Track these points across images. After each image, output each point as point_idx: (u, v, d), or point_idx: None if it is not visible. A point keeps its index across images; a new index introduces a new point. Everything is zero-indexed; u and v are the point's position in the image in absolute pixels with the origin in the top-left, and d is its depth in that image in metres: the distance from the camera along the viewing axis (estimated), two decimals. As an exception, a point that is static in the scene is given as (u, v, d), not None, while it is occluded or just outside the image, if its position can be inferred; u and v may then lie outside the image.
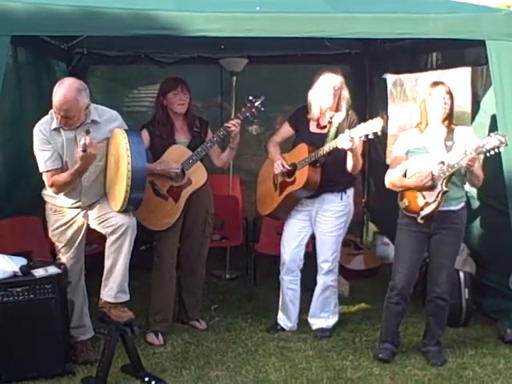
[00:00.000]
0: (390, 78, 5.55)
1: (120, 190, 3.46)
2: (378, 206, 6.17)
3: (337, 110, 4.06)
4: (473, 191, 4.22)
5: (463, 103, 4.36)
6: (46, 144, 3.51)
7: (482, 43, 3.83)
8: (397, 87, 5.45)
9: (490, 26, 3.81)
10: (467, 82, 4.35)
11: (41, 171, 3.55)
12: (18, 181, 4.26)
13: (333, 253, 4.16)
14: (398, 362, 3.87)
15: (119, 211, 3.55)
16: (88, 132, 3.42)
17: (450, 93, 3.69)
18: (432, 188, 3.61)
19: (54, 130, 3.52)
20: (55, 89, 3.41)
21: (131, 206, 3.53)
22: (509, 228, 3.87)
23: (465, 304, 4.33)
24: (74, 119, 3.46)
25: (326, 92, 4.00)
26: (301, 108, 4.21)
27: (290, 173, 4.12)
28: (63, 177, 3.50)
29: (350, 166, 3.97)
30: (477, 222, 4.41)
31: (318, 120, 4.10)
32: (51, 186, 3.56)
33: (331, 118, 4.05)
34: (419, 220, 3.68)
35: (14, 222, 4.12)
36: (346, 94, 4.05)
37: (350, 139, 3.70)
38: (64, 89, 3.38)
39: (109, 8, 3.65)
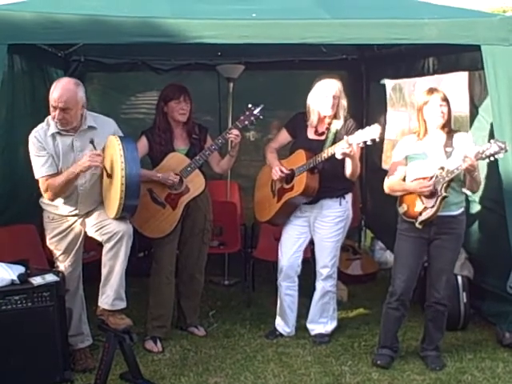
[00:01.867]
0: (389, 83, 5.56)
1: (115, 197, 3.46)
2: (375, 211, 6.17)
3: (335, 117, 4.06)
4: (475, 195, 4.22)
5: (461, 107, 4.36)
6: (41, 150, 3.52)
7: (477, 48, 3.84)
8: (396, 92, 5.46)
9: (485, 31, 3.81)
10: (465, 86, 4.35)
11: (36, 177, 3.56)
12: (14, 190, 4.26)
13: (332, 258, 4.16)
14: (397, 366, 3.87)
15: (115, 218, 3.54)
16: (92, 141, 3.48)
17: (445, 99, 3.69)
18: (432, 194, 3.62)
19: (51, 136, 3.53)
20: (52, 87, 3.48)
21: (126, 212, 3.52)
22: (507, 231, 3.88)
23: (463, 308, 4.33)
24: (71, 114, 3.47)
25: (325, 101, 3.99)
26: (298, 114, 4.21)
27: (288, 179, 4.12)
28: (57, 180, 3.50)
29: (348, 171, 3.97)
30: (475, 226, 4.40)
31: (316, 127, 4.10)
32: (46, 190, 3.55)
33: (329, 124, 4.05)
34: (417, 225, 3.68)
35: (10, 230, 4.11)
36: (344, 102, 4.05)
37: (348, 146, 3.71)
38: (62, 83, 3.50)
39: (106, 16, 3.66)
